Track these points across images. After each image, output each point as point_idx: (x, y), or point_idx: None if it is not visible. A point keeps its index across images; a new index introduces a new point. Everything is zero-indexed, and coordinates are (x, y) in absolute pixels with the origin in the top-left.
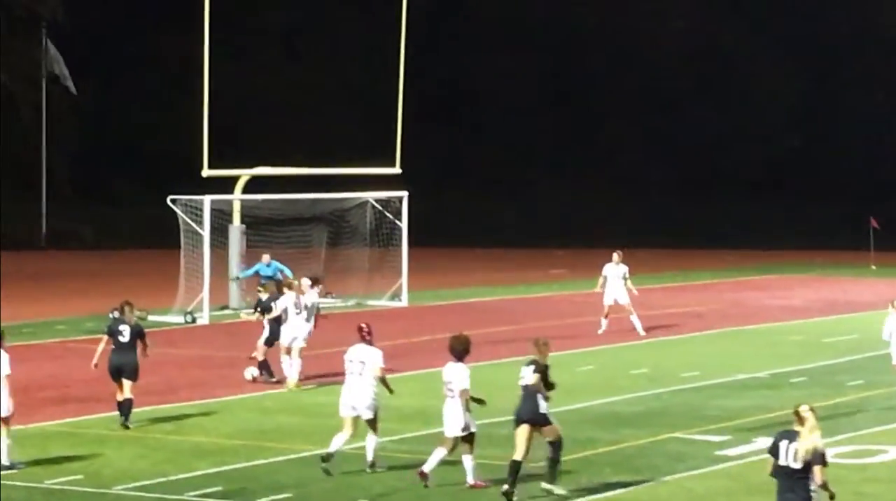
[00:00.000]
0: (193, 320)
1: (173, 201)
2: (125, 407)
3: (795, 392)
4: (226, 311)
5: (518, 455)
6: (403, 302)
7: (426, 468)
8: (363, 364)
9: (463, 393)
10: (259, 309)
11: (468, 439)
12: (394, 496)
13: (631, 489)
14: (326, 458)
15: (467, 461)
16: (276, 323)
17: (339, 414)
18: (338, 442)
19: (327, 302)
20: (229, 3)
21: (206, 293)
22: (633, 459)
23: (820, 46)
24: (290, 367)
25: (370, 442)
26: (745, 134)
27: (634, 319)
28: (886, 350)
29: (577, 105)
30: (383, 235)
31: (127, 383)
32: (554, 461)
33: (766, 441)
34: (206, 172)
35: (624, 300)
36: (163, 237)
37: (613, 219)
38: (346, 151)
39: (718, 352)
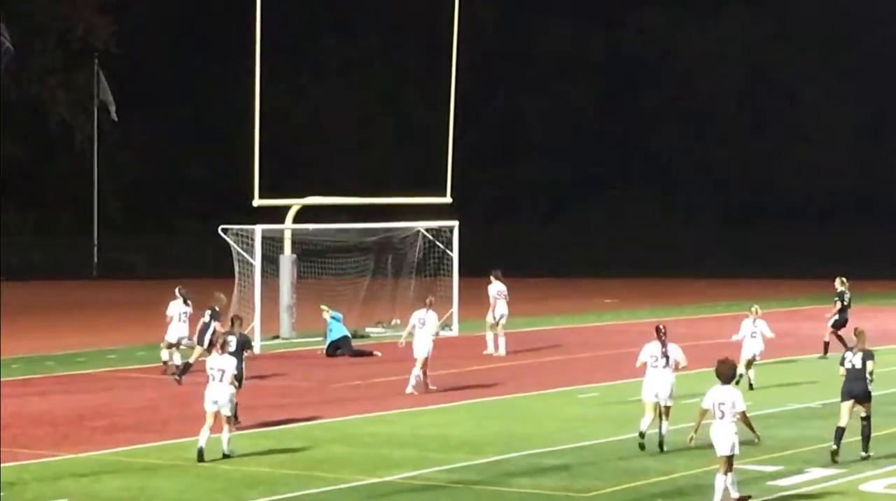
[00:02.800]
0: None
1: (224, 230)
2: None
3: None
4: (277, 340)
5: (843, 423)
6: (454, 331)
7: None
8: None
9: (742, 414)
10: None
11: (730, 459)
12: None
13: None
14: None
15: (726, 479)
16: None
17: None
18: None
19: (378, 332)
20: (285, 33)
21: (257, 322)
22: (685, 490)
23: (864, 70)
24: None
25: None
26: (794, 160)
27: None
28: None
29: (630, 138)
30: (432, 264)
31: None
32: (867, 433)
33: (819, 472)
34: (258, 202)
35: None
36: (215, 267)
37: (667, 249)
38: (398, 182)
39: (772, 382)
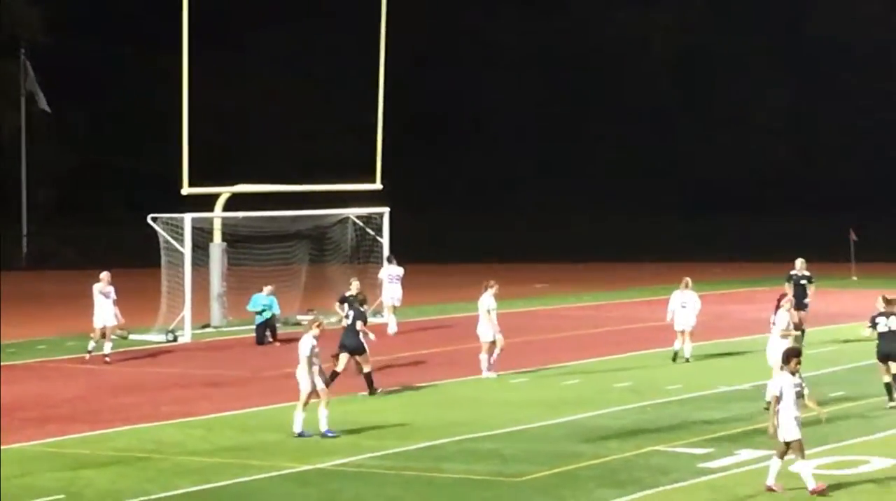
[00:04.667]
0: (175, 338)
1: (154, 219)
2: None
3: None
4: (207, 329)
5: (888, 378)
6: (385, 318)
7: (770, 481)
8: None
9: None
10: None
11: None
12: None
13: None
14: None
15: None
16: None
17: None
18: None
19: (308, 319)
20: (214, 23)
21: (187, 311)
22: (617, 473)
23: (805, 60)
24: None
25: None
26: (731, 148)
27: None
28: (868, 361)
29: (562, 121)
30: (364, 251)
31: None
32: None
33: (749, 454)
34: (186, 190)
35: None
36: (145, 256)
37: (598, 234)
38: (329, 169)
39: (702, 365)
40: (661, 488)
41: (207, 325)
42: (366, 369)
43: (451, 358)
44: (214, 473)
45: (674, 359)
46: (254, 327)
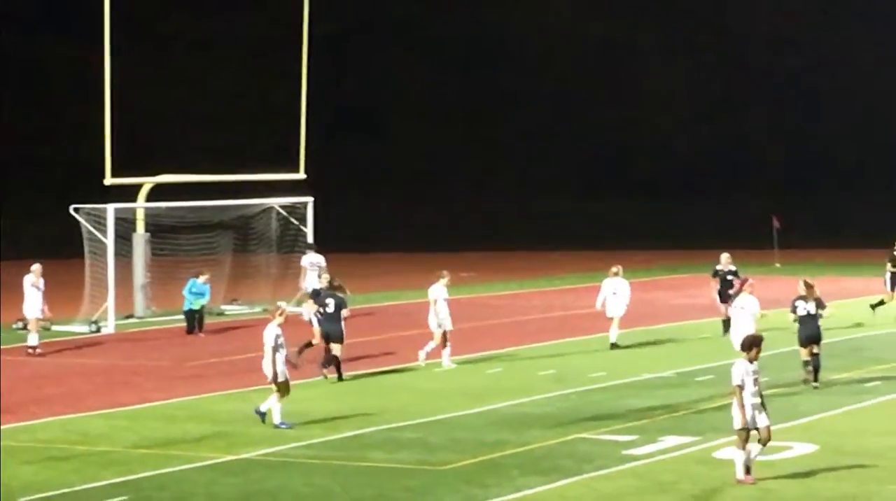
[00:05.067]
0: (98, 329)
1: (76, 210)
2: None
3: (701, 390)
4: (131, 320)
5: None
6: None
7: (740, 475)
8: None
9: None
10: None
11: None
12: None
13: (539, 490)
14: None
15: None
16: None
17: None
18: None
19: (234, 309)
20: (135, 10)
21: (110, 302)
22: (541, 460)
23: (721, 45)
24: None
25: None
26: (649, 135)
27: None
28: (789, 347)
29: (486, 110)
30: (288, 241)
31: (334, 345)
32: (817, 367)
33: (673, 440)
34: (109, 180)
35: None
36: (67, 247)
37: (522, 222)
38: (253, 159)
39: (626, 352)
40: (585, 475)
41: (131, 316)
42: (336, 353)
43: (375, 348)
44: (139, 464)
45: (611, 347)
46: (180, 316)
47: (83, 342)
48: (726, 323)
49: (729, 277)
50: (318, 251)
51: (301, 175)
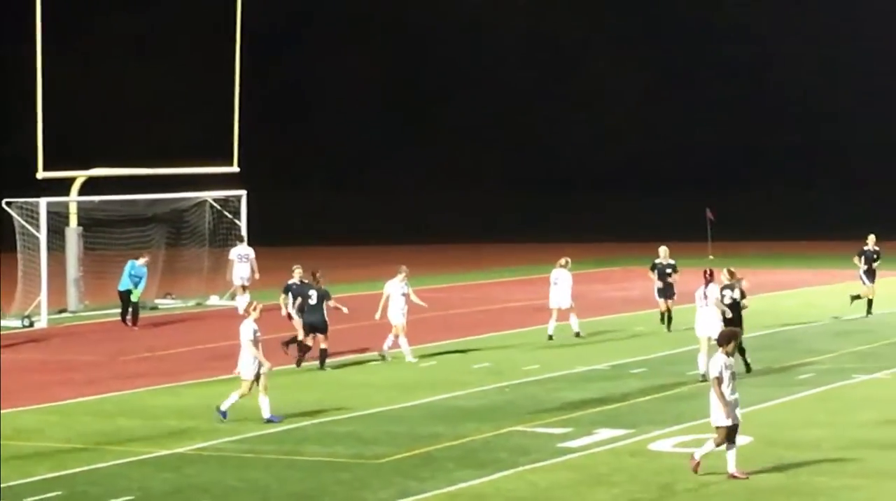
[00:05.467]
0: (31, 324)
1: (8, 204)
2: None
3: (635, 382)
4: (64, 314)
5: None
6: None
7: (732, 469)
8: None
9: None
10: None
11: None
12: (234, 496)
13: (474, 483)
14: None
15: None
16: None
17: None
18: None
19: (167, 304)
20: (66, 5)
21: (43, 297)
22: (476, 453)
23: (661, 44)
24: None
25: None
26: (587, 130)
27: None
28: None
29: (415, 103)
30: (222, 235)
31: (320, 337)
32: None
33: (607, 433)
34: (41, 174)
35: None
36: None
37: (452, 215)
38: (186, 152)
39: (560, 346)
40: (520, 468)
41: (64, 310)
42: (323, 345)
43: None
44: (72, 459)
45: (549, 338)
46: (115, 310)
47: (16, 337)
48: (663, 316)
49: (667, 270)
50: (249, 244)
51: (234, 168)
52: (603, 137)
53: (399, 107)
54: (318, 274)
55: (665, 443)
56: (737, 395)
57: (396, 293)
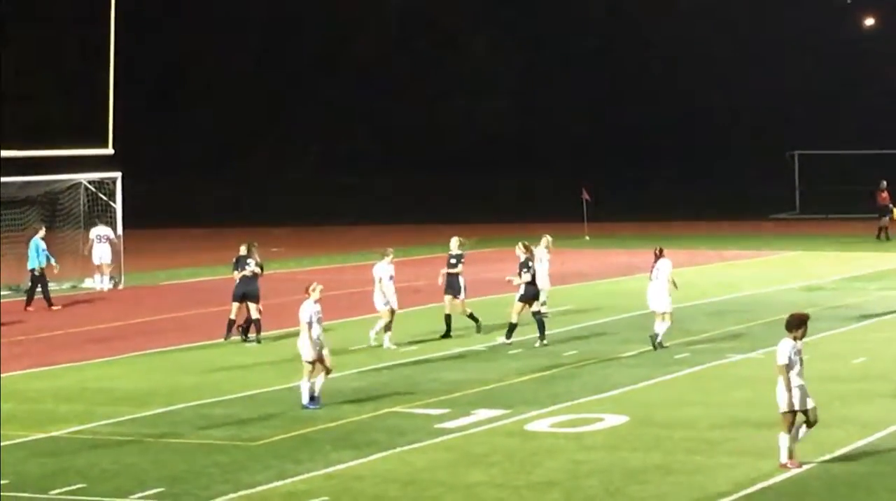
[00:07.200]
0: None
1: None
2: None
3: (512, 363)
4: None
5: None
6: (120, 284)
7: (784, 458)
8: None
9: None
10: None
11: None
12: (110, 479)
13: (352, 464)
14: None
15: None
16: None
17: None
18: None
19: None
20: None
21: None
22: (353, 435)
23: (536, 28)
24: None
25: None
26: (463, 109)
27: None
28: (601, 319)
29: (290, 86)
30: (97, 217)
31: (252, 306)
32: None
33: (485, 413)
34: None
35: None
36: None
37: (332, 197)
38: (59, 134)
39: (435, 327)
40: (398, 449)
41: None
42: (255, 316)
43: (181, 324)
44: None
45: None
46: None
47: None
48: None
49: (452, 260)
50: (109, 224)
51: (109, 150)
52: (476, 118)
53: (272, 90)
54: (253, 247)
55: (542, 423)
56: (803, 381)
57: (385, 276)
